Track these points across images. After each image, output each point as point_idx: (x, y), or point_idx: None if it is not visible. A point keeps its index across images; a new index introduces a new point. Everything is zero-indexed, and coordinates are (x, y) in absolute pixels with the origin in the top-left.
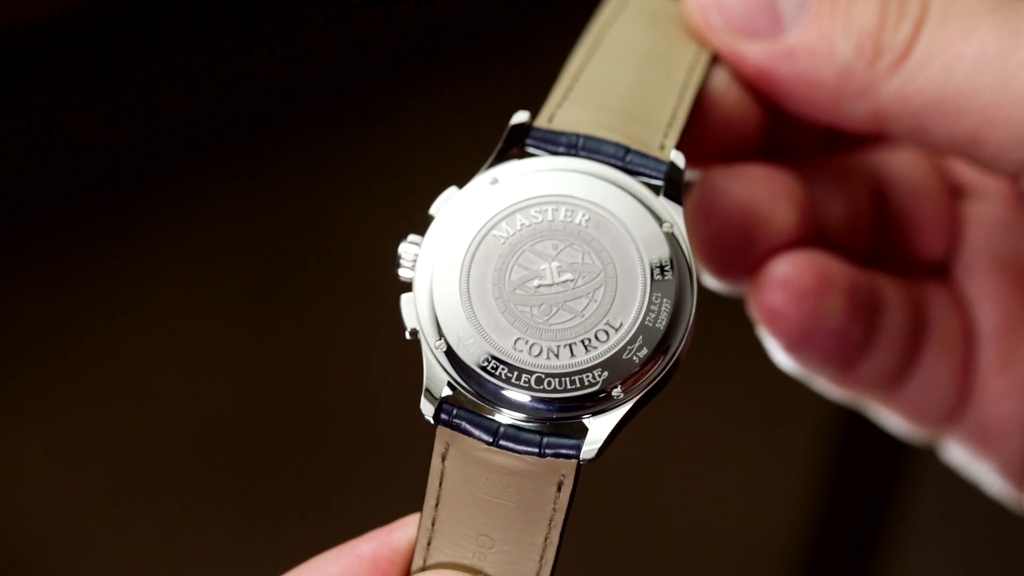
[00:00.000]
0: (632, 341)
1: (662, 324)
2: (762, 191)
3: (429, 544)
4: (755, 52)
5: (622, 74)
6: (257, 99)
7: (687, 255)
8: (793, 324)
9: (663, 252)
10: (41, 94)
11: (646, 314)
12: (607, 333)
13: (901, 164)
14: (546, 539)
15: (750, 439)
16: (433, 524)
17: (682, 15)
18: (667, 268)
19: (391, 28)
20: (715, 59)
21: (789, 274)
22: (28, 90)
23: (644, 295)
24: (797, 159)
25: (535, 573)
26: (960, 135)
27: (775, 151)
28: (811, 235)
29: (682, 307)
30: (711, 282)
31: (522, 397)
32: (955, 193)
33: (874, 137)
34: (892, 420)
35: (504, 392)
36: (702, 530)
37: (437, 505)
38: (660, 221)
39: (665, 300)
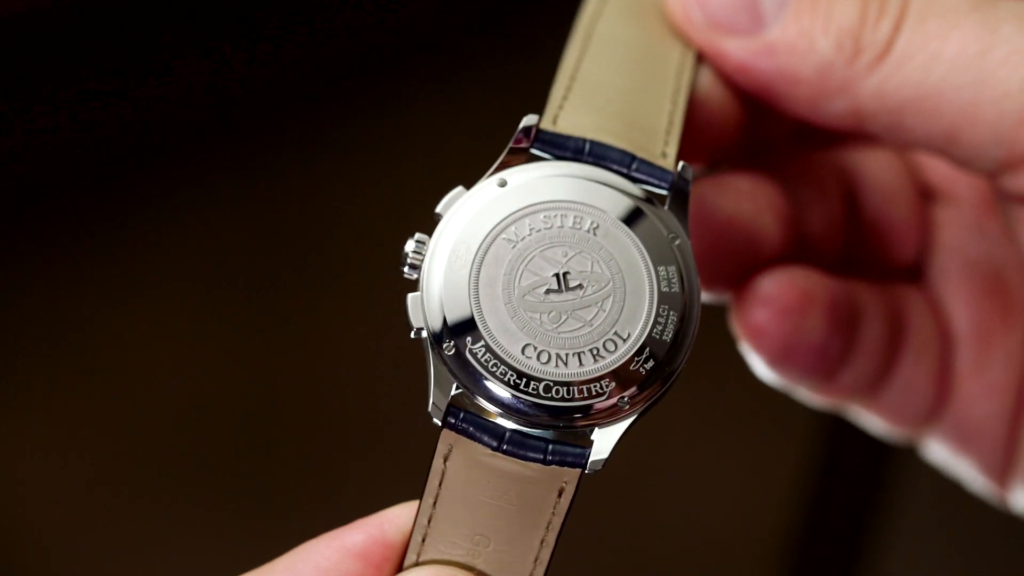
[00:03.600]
0: (639, 353)
1: (668, 336)
2: (748, 206)
3: (424, 541)
4: (736, 48)
5: (616, 75)
6: (255, 94)
7: (692, 268)
8: (776, 340)
9: (669, 264)
10: (34, 88)
11: (653, 326)
12: (615, 343)
13: (873, 166)
14: (542, 541)
15: (741, 436)
16: (429, 521)
17: (663, 8)
18: (673, 280)
19: (393, 20)
20: (699, 58)
21: (772, 292)
22: (19, 84)
23: (651, 306)
24: (769, 157)
25: (529, 573)
26: (938, 133)
27: (751, 148)
28: (792, 245)
29: (687, 320)
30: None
31: (530, 404)
32: (926, 196)
33: (852, 134)
34: (873, 422)
35: (512, 399)
36: (693, 526)
37: (435, 504)
38: (667, 233)
39: (672, 312)
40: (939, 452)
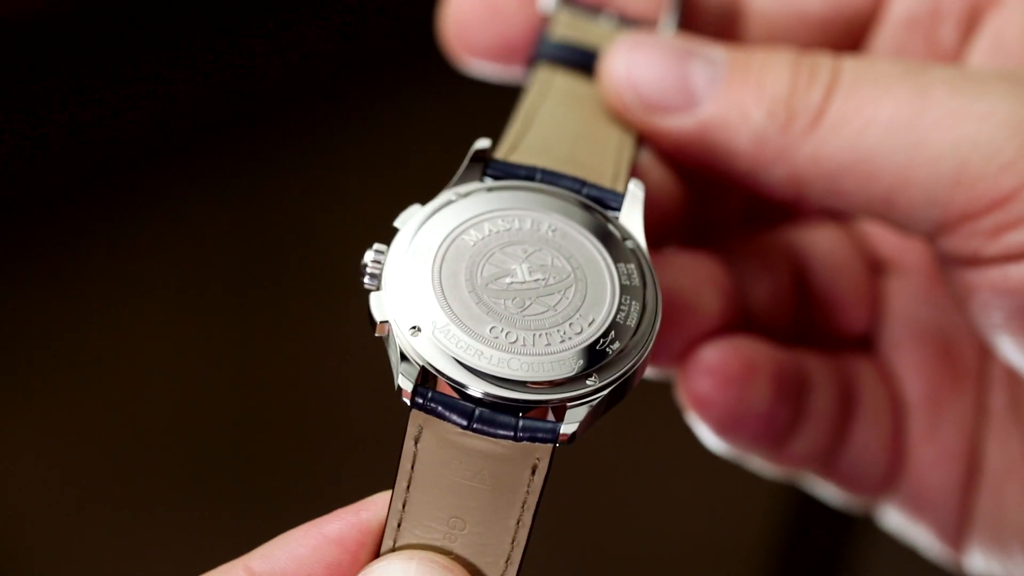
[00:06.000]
0: (605, 335)
1: (632, 322)
2: (687, 280)
3: (399, 526)
4: (671, 126)
5: (559, 146)
6: (247, 100)
7: (651, 268)
8: (721, 410)
9: (629, 263)
10: (25, 90)
11: (617, 312)
12: (581, 327)
13: (821, 243)
14: (519, 521)
15: None
16: (404, 506)
17: (601, 97)
18: (633, 276)
19: (385, 27)
20: (640, 141)
21: (716, 362)
22: (12, 87)
23: (614, 296)
24: (719, 238)
25: (507, 555)
26: (876, 196)
27: (697, 229)
28: (736, 319)
29: (650, 311)
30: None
31: (499, 382)
32: (876, 269)
33: (794, 202)
34: (829, 491)
35: (480, 377)
36: (676, 528)
37: (408, 487)
38: (622, 237)
39: (634, 302)
40: (895, 519)
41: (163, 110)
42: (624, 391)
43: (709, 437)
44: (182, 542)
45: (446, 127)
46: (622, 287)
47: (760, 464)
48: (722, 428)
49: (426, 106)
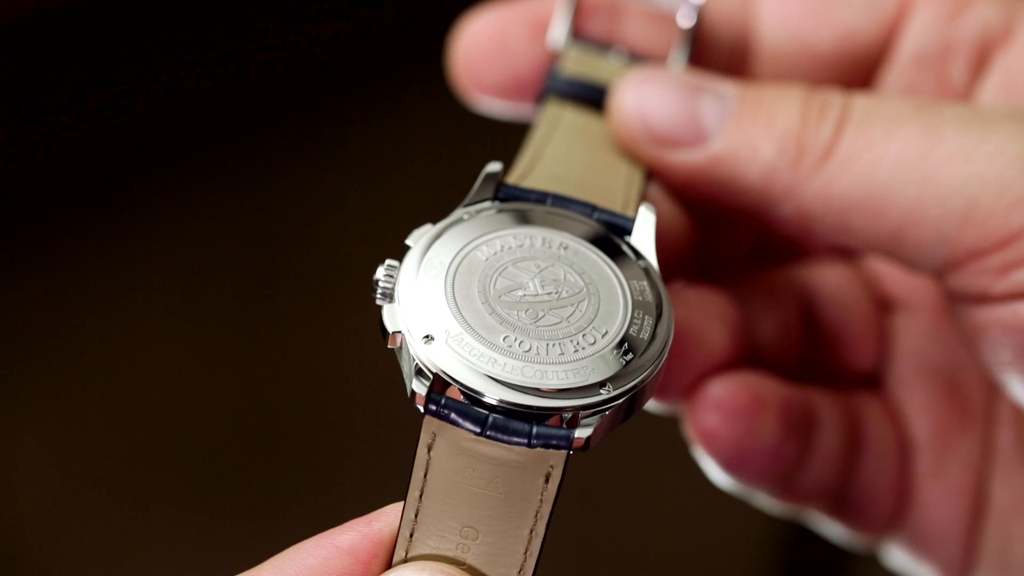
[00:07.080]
0: (618, 346)
1: (646, 335)
2: (695, 315)
3: (412, 536)
4: (681, 160)
5: (570, 174)
6: (250, 99)
7: (663, 288)
8: (728, 444)
9: (640, 280)
10: (27, 89)
11: (630, 326)
12: (594, 337)
13: (829, 280)
14: (532, 531)
15: None
16: (416, 516)
17: (610, 132)
18: (646, 292)
19: (392, 26)
20: (648, 177)
21: (723, 396)
22: (12, 87)
23: (627, 310)
24: (727, 274)
25: (520, 565)
26: (884, 233)
27: (705, 265)
28: (744, 354)
29: (662, 326)
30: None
31: (513, 389)
32: (884, 306)
33: (803, 238)
34: (835, 529)
35: (494, 384)
36: (682, 534)
37: (421, 496)
38: (634, 256)
39: (647, 316)
40: (900, 557)
41: (165, 111)
42: (638, 402)
43: (716, 472)
44: (192, 553)
45: (452, 133)
46: (635, 302)
47: (766, 500)
48: (729, 463)
49: (431, 110)
